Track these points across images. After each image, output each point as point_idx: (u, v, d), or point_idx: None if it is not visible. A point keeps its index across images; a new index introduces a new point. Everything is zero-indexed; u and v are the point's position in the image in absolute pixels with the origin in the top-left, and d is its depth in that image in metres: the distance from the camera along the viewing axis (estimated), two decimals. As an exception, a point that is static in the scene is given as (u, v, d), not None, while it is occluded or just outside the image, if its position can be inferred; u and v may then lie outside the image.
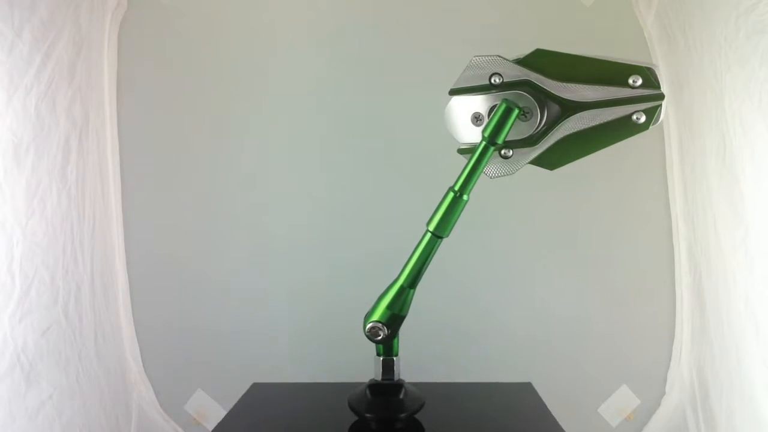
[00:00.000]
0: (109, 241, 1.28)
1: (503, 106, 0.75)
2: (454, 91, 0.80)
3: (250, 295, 1.32)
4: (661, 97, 0.74)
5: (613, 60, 0.76)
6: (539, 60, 0.77)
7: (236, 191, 1.33)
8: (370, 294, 0.78)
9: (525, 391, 0.90)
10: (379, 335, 0.74)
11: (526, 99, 0.77)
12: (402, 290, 0.75)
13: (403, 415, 0.74)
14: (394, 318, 0.74)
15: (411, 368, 0.83)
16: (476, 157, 0.76)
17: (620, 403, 1.25)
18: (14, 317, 1.04)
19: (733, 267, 1.03)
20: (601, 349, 1.26)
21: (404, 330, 0.78)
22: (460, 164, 0.77)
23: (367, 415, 0.74)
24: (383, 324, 0.74)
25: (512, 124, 0.75)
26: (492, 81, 0.78)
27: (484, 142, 0.75)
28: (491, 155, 0.76)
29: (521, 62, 0.78)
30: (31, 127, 1.08)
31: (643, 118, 0.75)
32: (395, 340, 0.78)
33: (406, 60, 1.28)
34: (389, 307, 0.74)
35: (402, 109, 1.27)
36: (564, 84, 0.76)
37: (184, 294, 1.32)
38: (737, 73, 0.98)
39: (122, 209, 1.31)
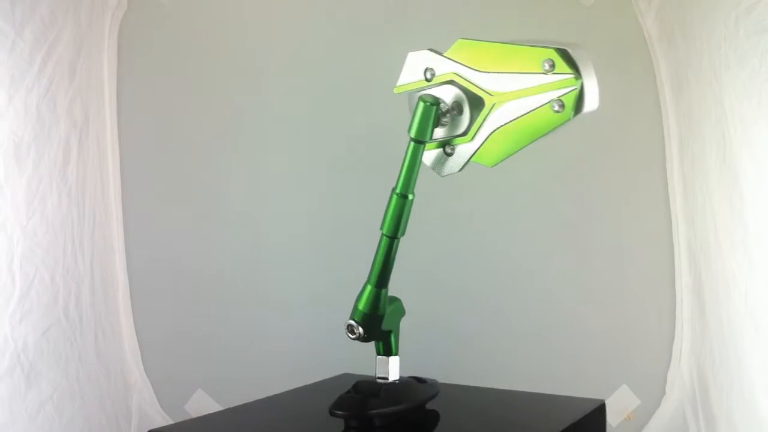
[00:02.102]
0: (109, 241, 1.28)
1: (420, 104, 0.74)
2: (399, 89, 0.79)
3: (250, 295, 1.32)
4: (572, 82, 0.67)
5: (527, 44, 0.70)
6: (464, 51, 0.74)
7: (236, 191, 1.33)
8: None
9: (576, 407, 0.84)
10: (355, 333, 0.76)
11: (456, 92, 0.74)
12: (370, 291, 0.76)
13: (371, 413, 0.75)
14: (367, 317, 0.76)
15: (413, 367, 0.84)
16: (409, 158, 0.75)
17: (620, 403, 1.25)
18: (14, 317, 1.04)
19: (733, 266, 1.03)
20: (601, 349, 1.26)
21: (407, 330, 0.79)
22: (466, 170, 0.76)
23: (337, 411, 0.74)
24: (357, 323, 0.76)
25: (434, 121, 0.74)
26: (426, 76, 0.77)
27: (411, 142, 0.75)
28: (423, 153, 0.75)
29: (449, 55, 0.75)
30: (32, 126, 1.08)
31: (560, 107, 0.67)
32: (393, 340, 0.79)
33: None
34: (361, 307, 0.76)
35: (405, 113, 1.27)
36: (487, 74, 0.72)
37: (184, 294, 1.32)
38: (737, 73, 0.98)
39: (122, 209, 1.31)
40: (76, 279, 1.16)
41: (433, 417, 0.80)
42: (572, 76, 0.67)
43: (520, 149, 0.72)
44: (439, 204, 1.30)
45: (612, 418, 1.26)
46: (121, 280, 1.31)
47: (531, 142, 0.71)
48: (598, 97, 0.68)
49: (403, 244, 0.77)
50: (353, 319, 0.76)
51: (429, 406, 0.81)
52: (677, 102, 1.20)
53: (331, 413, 0.74)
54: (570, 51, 0.67)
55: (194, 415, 1.32)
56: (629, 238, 1.26)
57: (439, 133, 0.76)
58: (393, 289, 0.81)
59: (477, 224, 1.30)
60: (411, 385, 0.81)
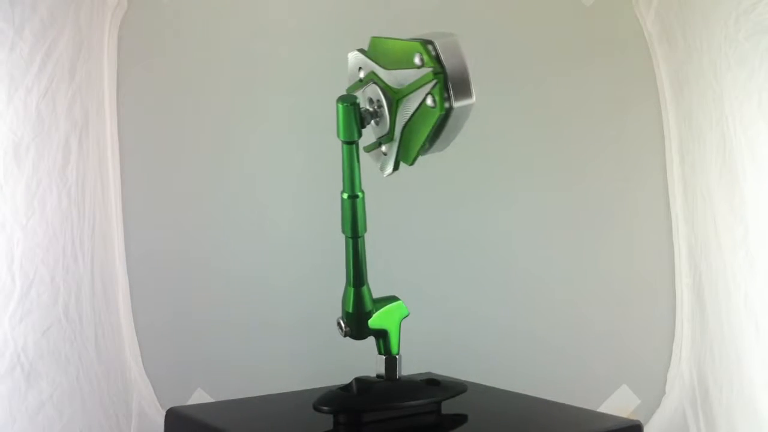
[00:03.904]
0: (109, 241, 1.28)
1: (338, 107, 0.75)
2: (349, 90, 0.79)
3: (251, 294, 1.32)
4: (430, 76, 0.65)
5: (406, 39, 0.69)
6: (376, 49, 0.74)
7: (237, 191, 1.33)
8: (373, 293, 0.81)
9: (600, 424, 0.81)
10: (342, 330, 0.79)
11: (377, 91, 0.74)
12: (350, 291, 0.79)
13: (352, 410, 0.75)
14: (352, 315, 0.78)
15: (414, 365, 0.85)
16: (345, 159, 0.76)
17: (620, 403, 1.25)
18: (14, 317, 1.04)
19: (734, 266, 1.03)
20: (601, 349, 1.26)
21: (408, 331, 0.80)
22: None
23: (323, 407, 0.75)
24: (345, 321, 0.79)
25: (357, 120, 0.74)
26: (360, 76, 0.78)
27: (343, 145, 0.76)
28: (357, 152, 0.76)
29: (368, 54, 0.75)
30: (32, 126, 1.08)
31: (433, 102, 0.66)
32: (393, 340, 0.79)
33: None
34: (346, 307, 0.79)
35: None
36: (390, 71, 0.72)
37: (185, 294, 1.32)
38: (737, 73, 0.98)
39: (122, 209, 1.31)
40: (76, 279, 1.16)
41: (444, 419, 0.80)
42: (432, 69, 0.65)
43: (424, 146, 0.71)
44: (438, 204, 1.30)
45: (612, 418, 1.26)
46: (121, 280, 1.31)
47: (424, 138, 0.70)
48: (470, 89, 0.66)
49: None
50: (341, 318, 0.79)
51: (448, 408, 0.80)
52: (677, 102, 1.20)
53: (315, 408, 0.75)
54: (435, 43, 0.66)
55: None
56: (629, 238, 1.26)
57: (378, 132, 0.76)
58: (394, 290, 0.82)
59: (476, 226, 1.30)
60: (413, 384, 0.80)
